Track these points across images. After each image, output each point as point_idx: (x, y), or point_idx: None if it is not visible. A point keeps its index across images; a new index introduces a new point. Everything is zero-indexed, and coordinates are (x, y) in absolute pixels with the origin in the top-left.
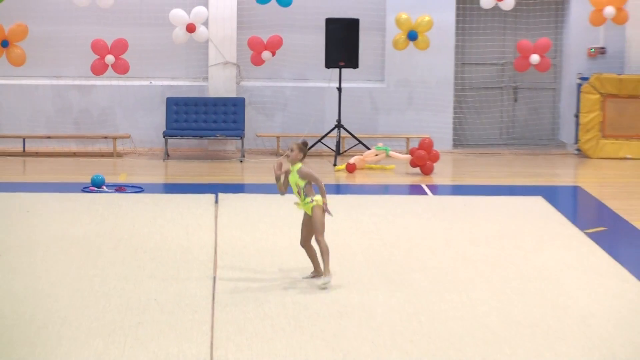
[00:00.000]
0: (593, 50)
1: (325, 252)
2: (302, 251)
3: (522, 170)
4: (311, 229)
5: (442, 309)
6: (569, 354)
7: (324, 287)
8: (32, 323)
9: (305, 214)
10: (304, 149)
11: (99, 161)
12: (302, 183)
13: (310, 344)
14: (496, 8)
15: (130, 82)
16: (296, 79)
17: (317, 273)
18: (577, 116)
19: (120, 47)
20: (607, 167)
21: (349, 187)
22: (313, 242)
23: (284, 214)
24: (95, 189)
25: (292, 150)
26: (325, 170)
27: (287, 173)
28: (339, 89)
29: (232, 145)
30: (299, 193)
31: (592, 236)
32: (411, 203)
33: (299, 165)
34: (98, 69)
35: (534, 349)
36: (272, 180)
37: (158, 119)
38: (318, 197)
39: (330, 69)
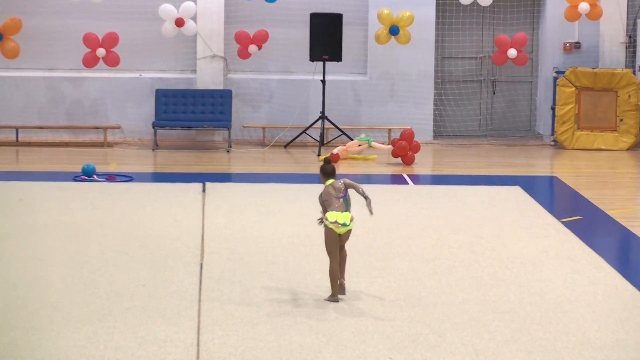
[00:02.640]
0: (568, 44)
1: (330, 275)
2: (287, 238)
3: (500, 161)
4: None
5: (423, 295)
6: (545, 339)
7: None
8: (24, 308)
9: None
10: (325, 168)
11: (90, 151)
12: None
13: (294, 329)
14: (475, 4)
15: (121, 74)
16: (281, 71)
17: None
18: (553, 108)
19: (111, 40)
20: (582, 158)
21: None
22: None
23: (269, 202)
24: (86, 177)
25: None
26: (309, 161)
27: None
28: (323, 82)
29: (219, 135)
30: None
31: (567, 225)
32: (393, 192)
33: (328, 182)
34: (89, 62)
35: (512, 334)
36: (258, 170)
37: (147, 110)
38: (327, 214)
39: (315, 62)
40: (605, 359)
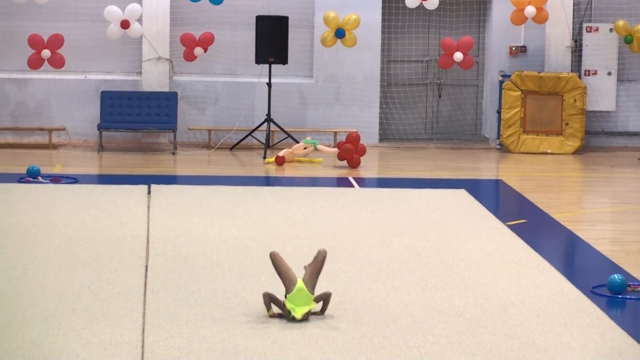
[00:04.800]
0: (514, 48)
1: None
2: (232, 240)
3: (445, 164)
4: None
5: (368, 298)
6: (490, 342)
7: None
8: None
9: None
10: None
11: (35, 153)
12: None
13: (239, 332)
14: (421, 7)
15: (66, 76)
16: (227, 74)
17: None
18: (499, 112)
19: (56, 42)
20: (527, 162)
21: (278, 179)
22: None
23: (215, 205)
24: (31, 179)
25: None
26: (255, 163)
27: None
28: (269, 84)
29: (164, 138)
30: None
31: (513, 228)
32: (338, 195)
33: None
34: (34, 63)
35: (456, 337)
36: (204, 172)
37: (93, 112)
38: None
39: (261, 65)
40: None
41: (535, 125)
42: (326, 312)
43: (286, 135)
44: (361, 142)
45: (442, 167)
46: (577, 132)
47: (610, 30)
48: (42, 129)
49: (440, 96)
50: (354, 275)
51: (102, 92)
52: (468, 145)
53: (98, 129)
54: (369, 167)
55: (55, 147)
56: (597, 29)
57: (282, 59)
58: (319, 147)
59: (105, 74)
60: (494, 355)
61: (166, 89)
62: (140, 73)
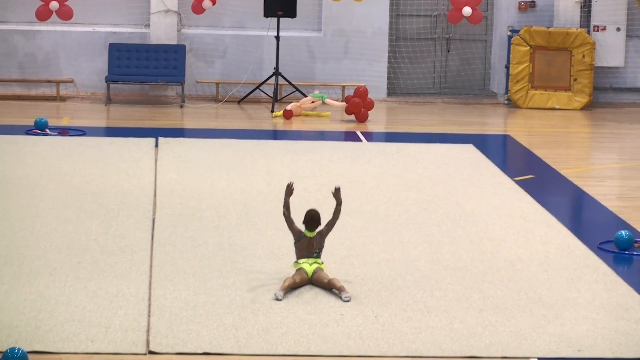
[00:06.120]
0: (523, 3)
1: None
2: (239, 194)
3: (453, 119)
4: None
5: (375, 252)
6: (497, 297)
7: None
8: None
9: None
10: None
11: (43, 105)
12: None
13: (245, 284)
14: None
15: (74, 28)
16: (235, 27)
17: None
18: (507, 67)
19: None
20: (535, 117)
21: (285, 132)
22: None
23: (222, 158)
24: (39, 131)
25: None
26: (262, 117)
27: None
28: (277, 38)
29: (172, 90)
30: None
31: (520, 183)
32: (346, 149)
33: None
34: (42, 15)
35: (463, 291)
36: (211, 125)
37: (100, 64)
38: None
39: (269, 18)
40: (557, 318)
41: (544, 81)
42: (334, 266)
43: (294, 89)
44: (369, 96)
45: (449, 122)
46: (585, 88)
47: None
48: (49, 81)
49: (448, 51)
50: (361, 230)
51: (110, 44)
52: (476, 100)
53: (106, 82)
54: (377, 121)
55: (62, 99)
56: None
57: (291, 12)
58: (327, 101)
59: (114, 26)
60: (500, 310)
61: (174, 42)
62: (148, 25)
